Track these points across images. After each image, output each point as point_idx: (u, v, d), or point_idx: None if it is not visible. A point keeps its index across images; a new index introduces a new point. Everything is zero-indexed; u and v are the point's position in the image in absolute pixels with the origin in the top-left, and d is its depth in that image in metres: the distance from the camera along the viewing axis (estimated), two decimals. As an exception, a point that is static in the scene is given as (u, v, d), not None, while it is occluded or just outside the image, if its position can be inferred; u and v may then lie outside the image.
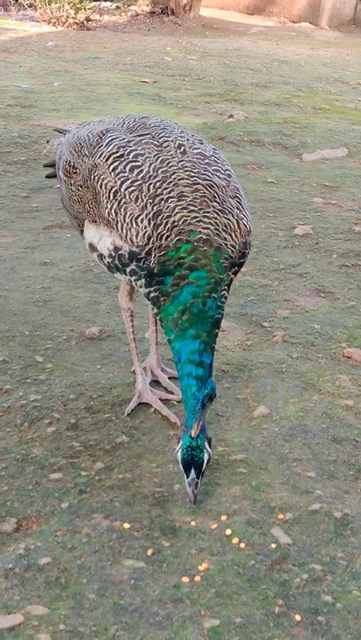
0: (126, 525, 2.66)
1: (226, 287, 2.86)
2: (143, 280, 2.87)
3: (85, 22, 15.38)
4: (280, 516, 2.73)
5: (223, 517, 2.71)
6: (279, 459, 3.04)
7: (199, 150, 3.00)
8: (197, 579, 2.45)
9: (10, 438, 3.09)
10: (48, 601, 2.36)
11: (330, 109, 9.43)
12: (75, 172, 3.18)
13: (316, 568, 2.52)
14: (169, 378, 3.47)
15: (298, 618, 2.34)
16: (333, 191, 6.41)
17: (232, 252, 2.85)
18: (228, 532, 2.65)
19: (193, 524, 2.68)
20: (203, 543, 2.60)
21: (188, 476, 2.72)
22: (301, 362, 3.73)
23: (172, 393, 3.40)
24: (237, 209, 2.91)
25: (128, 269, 2.90)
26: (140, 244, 2.82)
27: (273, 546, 2.60)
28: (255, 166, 6.91)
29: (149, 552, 2.55)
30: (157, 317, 2.94)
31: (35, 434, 3.12)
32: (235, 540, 2.61)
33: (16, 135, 7.33)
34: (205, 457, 2.72)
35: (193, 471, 2.71)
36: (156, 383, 3.46)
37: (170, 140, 3.00)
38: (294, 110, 9.27)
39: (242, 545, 2.60)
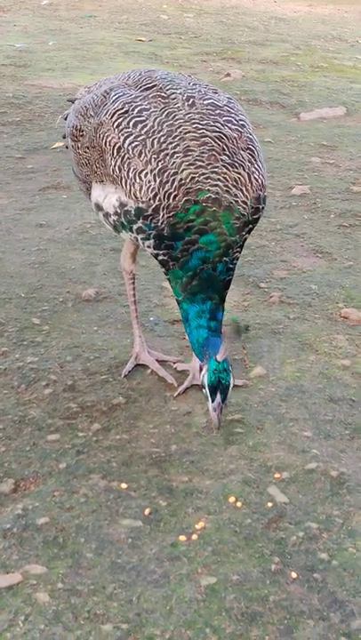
0: (124, 485, 2.67)
1: (238, 249, 2.79)
2: (152, 241, 2.79)
3: (80, -20, 15.13)
4: (276, 475, 2.75)
5: (220, 477, 2.73)
6: (276, 419, 3.05)
7: (211, 100, 2.89)
8: (194, 537, 2.47)
9: (7, 400, 3.10)
10: (46, 560, 2.38)
11: (328, 67, 9.32)
12: (81, 135, 3.11)
13: (312, 526, 2.54)
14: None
15: (294, 575, 2.36)
16: (331, 150, 6.35)
17: (244, 209, 2.75)
18: (225, 491, 2.66)
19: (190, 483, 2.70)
20: (199, 502, 2.62)
21: (213, 400, 2.67)
22: (298, 322, 3.73)
23: (169, 354, 3.39)
24: (249, 162, 2.80)
25: (135, 227, 2.81)
26: (144, 199, 2.73)
27: (269, 504, 2.62)
28: (252, 126, 6.83)
29: (146, 511, 2.57)
30: (166, 277, 2.89)
31: (32, 395, 3.13)
32: (231, 499, 2.63)
33: (10, 95, 7.24)
34: (231, 379, 2.69)
35: (219, 395, 2.66)
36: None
37: (178, 92, 2.88)
38: (292, 69, 9.15)
39: (238, 504, 2.61)
